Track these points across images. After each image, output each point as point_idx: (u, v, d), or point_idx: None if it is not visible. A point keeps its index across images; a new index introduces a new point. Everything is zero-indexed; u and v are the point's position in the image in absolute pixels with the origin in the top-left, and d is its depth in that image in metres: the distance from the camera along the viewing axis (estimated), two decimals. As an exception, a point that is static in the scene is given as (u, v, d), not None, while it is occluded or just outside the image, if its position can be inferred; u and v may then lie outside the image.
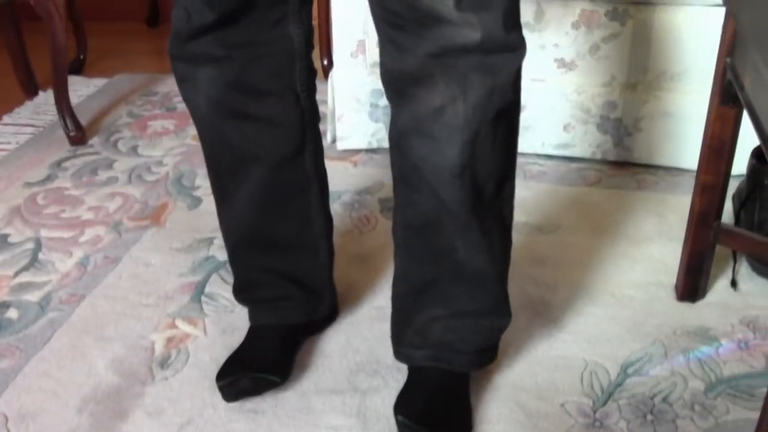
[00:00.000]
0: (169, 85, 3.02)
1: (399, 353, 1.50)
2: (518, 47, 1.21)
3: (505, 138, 1.27)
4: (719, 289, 1.76)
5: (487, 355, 1.49)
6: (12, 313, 1.75)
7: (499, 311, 1.44)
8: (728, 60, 1.44)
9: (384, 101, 2.28)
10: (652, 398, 1.47)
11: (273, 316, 1.59)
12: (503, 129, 1.25)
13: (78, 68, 3.25)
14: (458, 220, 1.28)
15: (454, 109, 1.19)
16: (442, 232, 1.31)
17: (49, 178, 2.35)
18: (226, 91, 1.36)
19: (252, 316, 1.62)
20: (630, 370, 1.54)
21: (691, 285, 1.72)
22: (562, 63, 2.20)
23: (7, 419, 1.48)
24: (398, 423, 1.39)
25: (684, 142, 2.17)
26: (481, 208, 1.28)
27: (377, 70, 2.24)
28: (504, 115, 1.23)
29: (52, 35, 2.49)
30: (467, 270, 1.36)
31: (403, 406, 1.42)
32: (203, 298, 1.78)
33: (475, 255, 1.33)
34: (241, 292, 1.62)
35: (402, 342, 1.49)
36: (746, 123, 1.36)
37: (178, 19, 1.32)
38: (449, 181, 1.24)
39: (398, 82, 1.24)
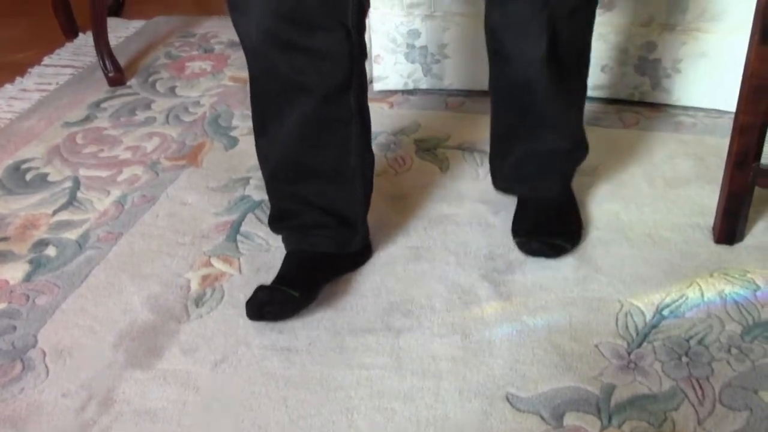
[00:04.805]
0: (206, 27, 3.02)
1: (497, 185, 1.84)
2: None
3: (585, 27, 1.63)
4: (757, 232, 1.74)
5: (568, 178, 1.82)
6: (51, 251, 1.78)
7: (580, 147, 1.78)
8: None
9: (420, 42, 2.27)
10: (687, 340, 1.46)
11: (306, 243, 1.62)
12: (583, 21, 1.61)
13: (116, 10, 3.25)
14: (544, 87, 1.59)
15: (539, 10, 1.49)
16: (530, 93, 1.61)
17: (87, 119, 2.36)
18: (278, 20, 1.38)
19: (286, 242, 1.66)
20: (665, 312, 1.53)
21: (729, 228, 1.70)
22: (600, 3, 2.16)
23: (44, 354, 1.50)
24: (516, 242, 1.72)
25: (723, 84, 2.13)
26: (565, 78, 1.60)
27: (414, 11, 2.23)
28: (580, 10, 1.57)
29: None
30: (551, 122, 1.68)
31: (516, 228, 1.76)
32: (239, 237, 1.79)
33: (559, 113, 1.67)
34: (277, 222, 1.65)
35: (499, 176, 1.83)
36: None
37: None
38: (538, 66, 1.54)
39: None
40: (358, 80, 1.50)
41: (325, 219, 1.61)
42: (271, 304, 1.53)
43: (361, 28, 1.46)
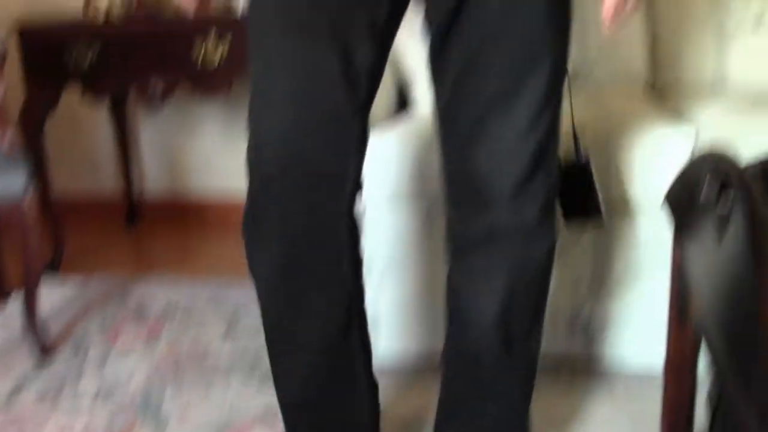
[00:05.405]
0: (143, 288, 3.00)
1: None
2: (552, 230, 1.56)
3: (538, 295, 1.60)
4: (698, 504, 1.71)
5: None
6: None
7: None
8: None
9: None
10: None
11: None
12: (536, 289, 1.59)
13: (54, 266, 3.23)
14: (494, 355, 1.58)
15: (496, 272, 1.53)
16: (479, 362, 1.61)
17: (12, 395, 2.29)
18: (293, 257, 1.48)
19: None
20: None
21: (671, 501, 1.67)
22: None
23: None
24: None
25: (656, 345, 2.14)
26: (514, 348, 1.59)
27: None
28: (538, 278, 1.58)
29: (24, 247, 2.48)
30: (498, 399, 1.65)
31: None
32: None
33: (508, 390, 1.65)
34: None
35: None
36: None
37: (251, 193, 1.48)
38: (490, 327, 1.55)
39: (456, 244, 1.59)
40: (359, 321, 1.61)
41: None
42: None
43: (360, 288, 1.59)
